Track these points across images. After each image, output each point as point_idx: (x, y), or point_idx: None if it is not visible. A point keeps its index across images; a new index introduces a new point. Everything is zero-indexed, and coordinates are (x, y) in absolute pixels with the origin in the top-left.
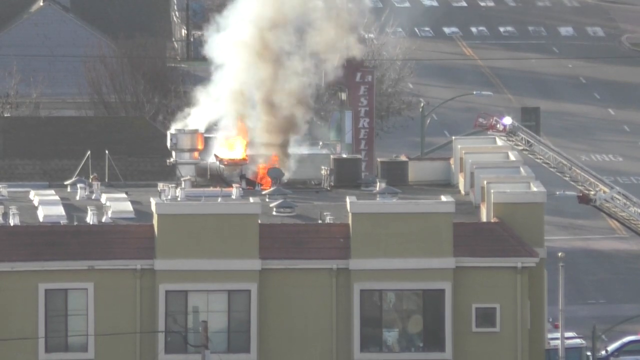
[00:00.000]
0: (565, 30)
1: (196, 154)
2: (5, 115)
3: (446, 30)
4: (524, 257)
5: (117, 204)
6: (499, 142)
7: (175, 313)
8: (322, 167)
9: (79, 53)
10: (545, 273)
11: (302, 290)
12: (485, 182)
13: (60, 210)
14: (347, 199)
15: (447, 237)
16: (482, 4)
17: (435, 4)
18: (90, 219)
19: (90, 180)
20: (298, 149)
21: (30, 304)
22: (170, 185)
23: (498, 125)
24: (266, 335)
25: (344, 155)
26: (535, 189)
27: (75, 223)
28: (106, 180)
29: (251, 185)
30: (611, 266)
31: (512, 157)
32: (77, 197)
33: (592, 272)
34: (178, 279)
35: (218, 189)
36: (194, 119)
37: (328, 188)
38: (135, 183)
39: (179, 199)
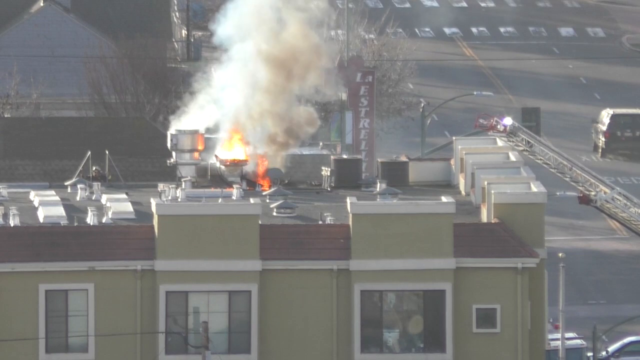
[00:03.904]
0: (566, 31)
1: (196, 154)
2: (6, 115)
3: (447, 30)
4: (525, 257)
5: (117, 205)
6: (500, 143)
7: (175, 314)
8: (323, 168)
9: (80, 53)
10: (545, 273)
11: (302, 291)
12: (485, 182)
13: (60, 211)
14: (348, 200)
15: (447, 237)
16: (483, 4)
17: (435, 4)
18: (90, 219)
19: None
20: (298, 150)
21: (30, 304)
22: (170, 186)
23: (498, 126)
24: (267, 335)
25: (345, 156)
26: (535, 190)
27: (76, 224)
28: (107, 180)
29: (251, 186)
30: (611, 267)
31: (512, 158)
32: (78, 198)
33: (593, 272)
34: (178, 279)
35: (218, 189)
36: (193, 118)
37: (328, 189)
38: (135, 184)
39: (179, 200)
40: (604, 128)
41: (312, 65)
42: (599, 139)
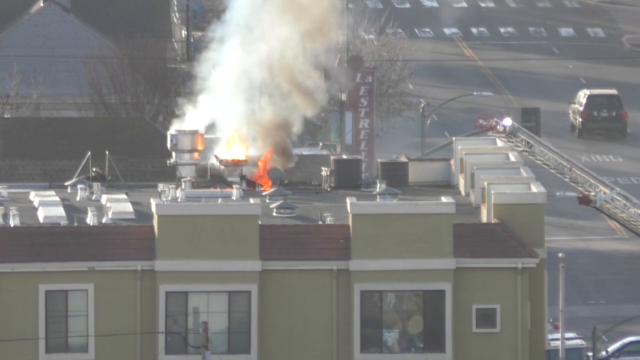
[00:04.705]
0: (566, 31)
1: (196, 154)
2: (6, 116)
3: (446, 31)
4: (524, 257)
5: (117, 205)
6: (499, 143)
7: (175, 314)
8: (323, 168)
9: (80, 54)
10: (545, 274)
11: (302, 291)
12: (485, 183)
13: (60, 211)
14: (348, 200)
15: (447, 238)
16: (483, 4)
17: (435, 4)
18: (90, 219)
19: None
20: (298, 150)
21: (30, 305)
22: (170, 186)
23: (498, 127)
24: (266, 336)
25: (344, 156)
26: (535, 190)
27: (76, 224)
28: (107, 180)
29: (251, 186)
30: (611, 267)
31: (512, 158)
32: (77, 198)
33: (593, 272)
34: (178, 280)
35: (218, 189)
36: (193, 118)
37: (328, 189)
38: (135, 184)
39: (179, 200)
40: (581, 108)
41: (324, 26)
42: (576, 119)
